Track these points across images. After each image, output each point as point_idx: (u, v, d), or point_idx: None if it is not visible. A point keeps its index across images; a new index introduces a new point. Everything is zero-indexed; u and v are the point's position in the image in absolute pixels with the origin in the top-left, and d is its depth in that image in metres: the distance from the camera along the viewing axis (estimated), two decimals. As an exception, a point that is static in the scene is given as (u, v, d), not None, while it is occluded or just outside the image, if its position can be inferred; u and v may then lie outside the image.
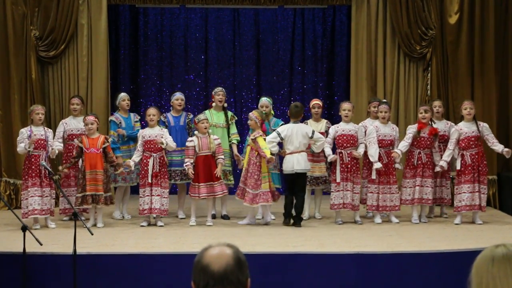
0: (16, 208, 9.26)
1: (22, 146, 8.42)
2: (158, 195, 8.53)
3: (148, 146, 8.59)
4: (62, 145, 8.89)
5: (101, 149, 8.51)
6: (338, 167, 8.68)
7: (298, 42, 12.10)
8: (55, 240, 7.57)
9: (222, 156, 8.69)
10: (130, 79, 12.00)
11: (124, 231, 8.38)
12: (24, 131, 8.54)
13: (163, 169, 8.62)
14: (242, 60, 12.10)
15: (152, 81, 12.04)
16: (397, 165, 8.83)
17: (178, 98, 9.39)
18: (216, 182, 8.60)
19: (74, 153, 8.61)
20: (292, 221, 8.61)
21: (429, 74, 10.56)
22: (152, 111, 8.75)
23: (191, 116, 9.44)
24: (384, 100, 9.50)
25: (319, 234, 8.22)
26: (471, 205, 8.68)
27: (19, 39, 10.17)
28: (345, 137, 8.74)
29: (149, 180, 8.50)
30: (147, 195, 8.51)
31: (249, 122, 8.76)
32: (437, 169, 8.86)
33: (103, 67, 10.54)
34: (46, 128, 8.73)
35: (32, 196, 8.37)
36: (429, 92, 10.52)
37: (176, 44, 12.08)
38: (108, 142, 8.59)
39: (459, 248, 7.27)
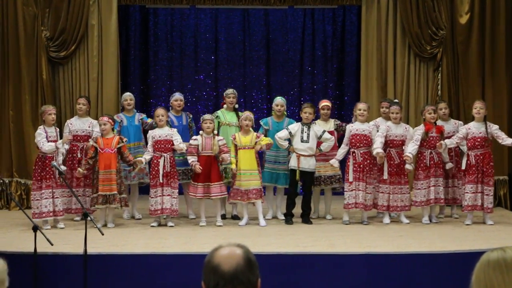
0: (27, 208, 9.29)
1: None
2: (169, 195, 8.54)
3: (159, 146, 8.60)
4: (67, 146, 8.84)
5: (116, 149, 8.53)
6: (351, 166, 8.69)
7: (308, 42, 12.12)
8: (66, 240, 7.58)
9: (228, 154, 8.63)
10: (140, 79, 12.06)
11: (134, 232, 8.41)
12: (42, 132, 8.49)
13: (173, 169, 8.64)
14: (252, 60, 12.14)
15: (162, 82, 12.08)
16: (408, 166, 8.80)
17: (177, 99, 9.44)
18: (213, 184, 8.58)
19: (89, 154, 8.57)
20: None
21: (439, 75, 10.55)
22: (161, 112, 8.76)
23: (191, 116, 9.48)
24: (396, 101, 9.51)
25: (329, 234, 8.21)
26: (473, 205, 8.66)
27: (30, 39, 10.22)
28: (358, 137, 8.74)
29: (161, 180, 8.51)
30: (159, 196, 8.52)
31: (248, 122, 8.74)
32: (449, 165, 8.89)
33: (114, 67, 10.58)
34: (57, 129, 8.75)
35: (46, 198, 8.39)
36: (439, 92, 10.51)
37: (186, 45, 12.12)
38: (123, 142, 8.60)
39: (470, 249, 7.27)
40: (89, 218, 6.51)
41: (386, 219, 8.87)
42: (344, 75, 12.06)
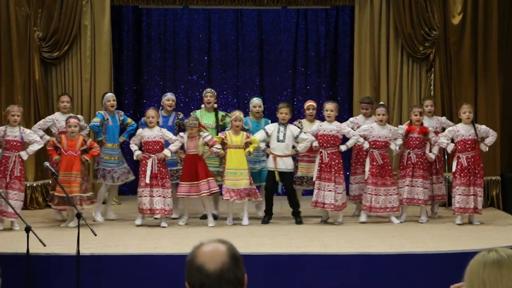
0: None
1: None
2: (160, 195, 8.57)
3: (147, 147, 8.65)
4: (39, 140, 8.77)
5: (79, 152, 8.57)
6: (316, 166, 8.74)
7: (301, 42, 12.14)
8: (59, 241, 7.60)
9: (217, 145, 8.62)
10: (133, 80, 12.06)
11: (128, 233, 8.43)
12: None
13: (163, 170, 8.67)
14: (245, 61, 12.16)
15: (155, 82, 12.08)
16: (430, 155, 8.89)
17: (169, 98, 9.50)
18: (200, 181, 8.58)
19: (49, 147, 8.65)
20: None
21: (432, 75, 10.60)
22: (151, 113, 8.78)
23: (181, 115, 9.50)
24: (381, 103, 9.53)
25: (322, 234, 8.25)
26: (466, 208, 8.72)
27: (22, 40, 10.23)
28: (325, 137, 8.74)
29: (147, 181, 8.54)
30: (146, 196, 8.56)
31: (238, 123, 8.75)
32: (433, 153, 8.96)
33: (107, 68, 10.60)
34: (22, 129, 8.70)
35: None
36: (432, 92, 10.54)
37: (179, 45, 12.14)
38: (86, 144, 8.64)
39: (463, 249, 7.31)
40: (82, 218, 6.54)
41: (363, 217, 8.90)
42: (337, 76, 12.08)
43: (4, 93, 10.16)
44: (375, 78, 10.68)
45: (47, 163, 8.13)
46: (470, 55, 10.43)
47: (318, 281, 7.13)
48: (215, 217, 9.00)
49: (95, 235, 6.80)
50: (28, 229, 6.39)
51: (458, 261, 7.01)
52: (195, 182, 8.57)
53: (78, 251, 6.49)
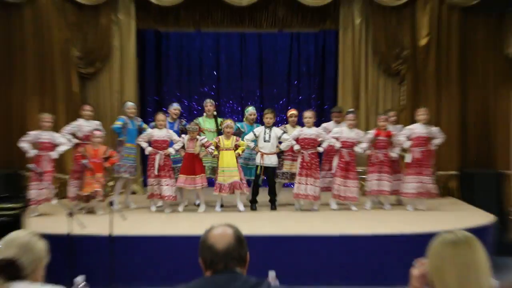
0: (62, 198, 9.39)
1: (26, 146, 8.59)
2: (168, 184, 8.64)
3: (156, 145, 8.72)
4: (68, 142, 8.88)
5: (103, 159, 8.66)
6: (298, 165, 8.80)
7: (294, 60, 12.14)
8: (95, 223, 7.58)
9: (212, 146, 8.72)
10: (155, 91, 12.06)
11: (149, 218, 8.39)
12: (32, 133, 8.67)
13: (167, 163, 8.72)
14: (247, 75, 12.15)
15: (173, 93, 12.09)
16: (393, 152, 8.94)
17: (175, 108, 9.53)
18: (197, 176, 8.69)
19: (79, 157, 8.75)
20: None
21: (403, 88, 10.58)
22: (161, 117, 8.85)
23: (184, 122, 9.50)
24: (351, 110, 9.50)
25: (311, 219, 8.21)
26: (418, 192, 8.81)
27: (63, 58, 10.25)
28: (306, 140, 8.77)
29: (156, 173, 8.63)
30: (155, 184, 8.64)
31: (229, 130, 8.81)
32: (395, 153, 9.01)
33: (132, 81, 10.62)
34: (52, 133, 8.78)
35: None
36: (403, 101, 10.53)
37: (193, 62, 12.13)
38: (107, 153, 8.73)
39: (426, 230, 7.29)
40: (113, 206, 6.62)
41: (333, 205, 8.94)
42: (324, 88, 12.06)
43: (48, 102, 10.21)
44: (356, 90, 10.67)
45: (84, 161, 8.24)
46: (434, 70, 10.43)
47: (308, 257, 7.14)
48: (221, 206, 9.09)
49: (125, 219, 6.90)
50: (70, 214, 6.51)
51: (422, 241, 7.04)
52: (192, 176, 8.66)
53: (111, 232, 6.58)
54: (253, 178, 9.18)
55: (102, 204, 8.69)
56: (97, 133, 8.80)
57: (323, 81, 12.10)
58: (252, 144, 8.95)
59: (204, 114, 9.54)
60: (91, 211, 8.69)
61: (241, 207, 8.84)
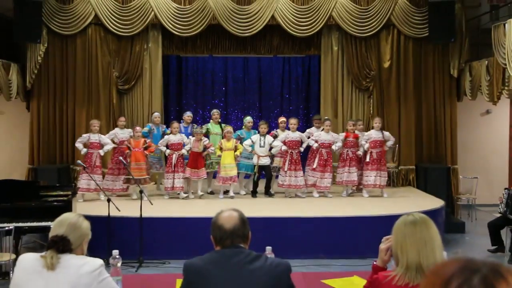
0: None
1: (80, 145, 8.62)
2: (180, 178, 8.61)
3: (172, 147, 8.70)
4: (111, 143, 8.83)
5: (142, 148, 8.63)
6: (287, 162, 8.74)
7: (286, 79, 12.10)
8: (128, 207, 7.54)
9: (212, 148, 8.75)
10: (176, 103, 12.04)
11: (171, 203, 8.38)
12: (85, 136, 8.72)
13: (181, 161, 8.69)
14: (249, 91, 12.13)
15: (190, 104, 12.06)
16: (333, 147, 8.87)
17: (189, 115, 9.53)
18: (199, 169, 8.70)
19: (126, 152, 8.69)
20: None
21: (371, 100, 10.55)
22: (176, 125, 8.84)
23: (196, 126, 9.39)
24: (327, 118, 9.51)
25: (300, 205, 8.21)
26: (375, 184, 8.81)
27: (105, 78, 10.25)
28: (292, 142, 8.77)
29: (173, 169, 8.60)
30: (170, 179, 8.60)
31: (229, 134, 8.83)
32: (360, 151, 8.98)
33: (159, 96, 10.59)
34: (99, 135, 8.78)
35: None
36: (371, 112, 10.50)
37: (206, 80, 12.09)
38: (146, 143, 8.69)
39: (390, 213, 7.32)
40: (143, 193, 6.61)
41: (315, 194, 8.92)
42: (310, 101, 12.02)
43: (93, 112, 10.19)
44: (334, 102, 10.65)
45: (121, 158, 8.21)
46: (395, 88, 10.40)
47: (298, 234, 7.16)
48: (212, 193, 9.16)
49: (152, 204, 6.91)
50: (109, 200, 6.51)
51: (387, 222, 7.08)
52: (196, 170, 8.68)
53: (141, 214, 6.59)
54: (251, 172, 9.14)
55: (147, 187, 8.58)
56: (138, 128, 8.81)
57: (309, 95, 12.08)
58: (249, 149, 8.94)
59: (211, 121, 9.55)
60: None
61: (242, 192, 8.94)
